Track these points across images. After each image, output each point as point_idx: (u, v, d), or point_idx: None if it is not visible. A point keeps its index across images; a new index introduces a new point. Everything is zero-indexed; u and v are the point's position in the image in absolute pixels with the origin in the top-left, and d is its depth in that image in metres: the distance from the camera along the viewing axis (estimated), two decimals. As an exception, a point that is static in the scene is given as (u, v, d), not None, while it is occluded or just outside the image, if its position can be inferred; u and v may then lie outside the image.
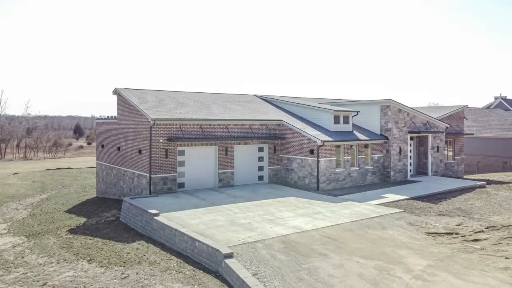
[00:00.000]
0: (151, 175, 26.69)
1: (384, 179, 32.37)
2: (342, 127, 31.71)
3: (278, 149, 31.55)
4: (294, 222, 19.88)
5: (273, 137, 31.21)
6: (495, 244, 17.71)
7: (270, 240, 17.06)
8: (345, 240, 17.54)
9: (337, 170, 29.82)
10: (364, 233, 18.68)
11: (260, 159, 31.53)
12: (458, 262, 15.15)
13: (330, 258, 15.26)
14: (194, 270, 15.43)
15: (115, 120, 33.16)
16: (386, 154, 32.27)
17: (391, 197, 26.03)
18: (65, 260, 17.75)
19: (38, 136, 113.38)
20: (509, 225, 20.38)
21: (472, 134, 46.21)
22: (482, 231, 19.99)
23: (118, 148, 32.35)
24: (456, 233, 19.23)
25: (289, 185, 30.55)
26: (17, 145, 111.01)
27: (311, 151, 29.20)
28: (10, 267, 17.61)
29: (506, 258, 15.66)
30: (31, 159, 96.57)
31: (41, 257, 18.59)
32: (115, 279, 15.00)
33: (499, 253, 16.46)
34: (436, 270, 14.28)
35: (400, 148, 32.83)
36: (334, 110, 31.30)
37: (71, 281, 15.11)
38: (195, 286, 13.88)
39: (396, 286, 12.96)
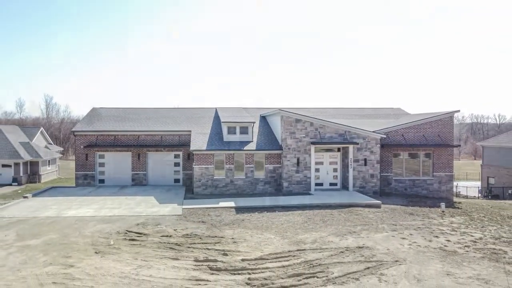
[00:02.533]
0: (75, 172, 31.83)
1: (280, 189, 28.54)
2: (238, 137, 29.39)
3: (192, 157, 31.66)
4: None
5: (183, 145, 31.70)
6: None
7: None
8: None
9: (217, 177, 28.39)
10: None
11: (177, 164, 32.33)
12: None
13: None
14: None
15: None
16: (283, 165, 28.44)
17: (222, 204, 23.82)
18: None
19: None
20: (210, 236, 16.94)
21: (459, 146, 33.46)
22: (171, 235, 17.53)
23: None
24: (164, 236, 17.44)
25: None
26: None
27: (192, 159, 29.00)
28: None
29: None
30: None
31: None
32: None
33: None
34: None
35: (298, 159, 28.15)
36: (228, 122, 29.51)
37: None
38: None
39: None
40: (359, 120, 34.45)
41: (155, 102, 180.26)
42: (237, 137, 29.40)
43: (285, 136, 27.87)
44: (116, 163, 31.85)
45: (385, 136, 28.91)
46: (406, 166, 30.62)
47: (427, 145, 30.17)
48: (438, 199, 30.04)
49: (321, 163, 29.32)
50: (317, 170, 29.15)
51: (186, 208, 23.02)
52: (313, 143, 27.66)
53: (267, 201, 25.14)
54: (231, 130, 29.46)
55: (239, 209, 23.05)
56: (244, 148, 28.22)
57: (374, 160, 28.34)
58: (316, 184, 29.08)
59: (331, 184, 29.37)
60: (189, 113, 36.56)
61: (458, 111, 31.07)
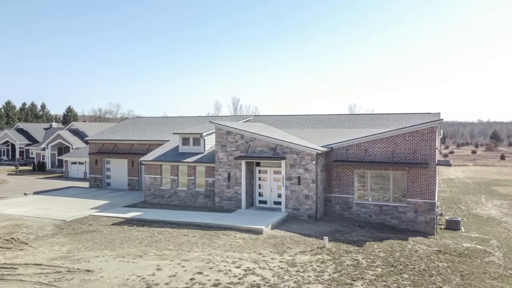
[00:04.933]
0: (88, 175, 36.85)
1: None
2: (191, 148, 29.07)
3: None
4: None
5: (161, 155, 32.89)
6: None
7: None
8: None
9: (163, 187, 28.73)
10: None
11: (160, 172, 33.84)
12: None
13: None
14: None
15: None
16: (215, 180, 26.68)
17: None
18: None
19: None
20: None
21: (448, 163, 22.75)
22: None
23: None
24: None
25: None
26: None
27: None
28: None
29: None
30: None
31: None
32: None
33: None
34: None
35: (229, 174, 25.88)
36: (179, 133, 29.23)
37: None
38: None
39: None
40: (335, 129, 29.46)
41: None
42: (190, 148, 29.44)
43: (217, 149, 26.60)
44: (118, 169, 35.88)
45: (321, 150, 24.26)
46: (373, 188, 24.95)
47: (398, 163, 23.92)
48: (414, 232, 23.57)
49: (265, 179, 26.66)
50: (260, 186, 26.73)
51: (92, 215, 24.92)
52: (241, 157, 25.53)
53: (178, 215, 24.79)
54: (185, 141, 29.66)
55: (132, 221, 23.67)
56: (184, 160, 28.12)
57: (309, 179, 24.20)
58: (260, 202, 26.72)
59: (275, 203, 26.36)
60: (184, 121, 38.45)
61: (441, 120, 23.44)
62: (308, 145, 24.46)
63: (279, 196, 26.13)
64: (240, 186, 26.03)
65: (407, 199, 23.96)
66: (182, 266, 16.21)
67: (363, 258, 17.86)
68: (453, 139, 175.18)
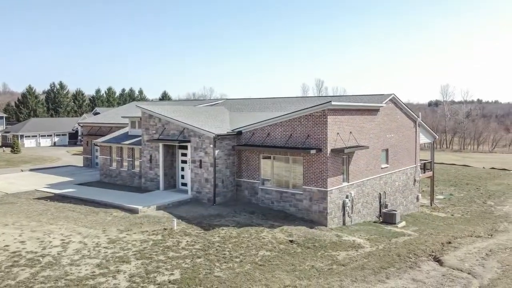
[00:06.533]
0: (83, 155, 40.70)
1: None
2: (138, 131, 30.52)
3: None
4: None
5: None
6: None
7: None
8: None
9: (111, 168, 30.80)
10: None
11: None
12: None
13: None
14: None
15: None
16: (141, 161, 27.94)
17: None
18: None
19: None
20: None
21: (341, 150, 19.41)
22: None
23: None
24: None
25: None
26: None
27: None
28: None
29: None
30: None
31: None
32: None
33: None
34: None
35: (151, 156, 26.81)
36: (126, 116, 30.75)
37: None
38: None
39: None
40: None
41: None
42: (137, 131, 31.13)
43: (142, 132, 27.91)
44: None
45: (222, 133, 24.04)
46: (277, 173, 24.18)
47: (295, 148, 22.89)
48: (307, 221, 22.58)
49: (185, 161, 27.32)
50: (183, 169, 27.47)
51: (37, 190, 28.24)
52: (156, 140, 26.61)
53: (100, 194, 26.78)
54: (133, 124, 31.43)
55: (58, 197, 26.43)
56: (124, 142, 29.97)
57: (208, 163, 24.35)
58: (182, 184, 27.50)
59: (182, 184, 27.18)
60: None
61: (330, 102, 21.58)
62: (208, 129, 24.60)
63: (184, 177, 27.14)
64: (159, 168, 27.18)
65: (303, 186, 22.88)
66: (20, 236, 18.27)
67: (186, 241, 18.09)
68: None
